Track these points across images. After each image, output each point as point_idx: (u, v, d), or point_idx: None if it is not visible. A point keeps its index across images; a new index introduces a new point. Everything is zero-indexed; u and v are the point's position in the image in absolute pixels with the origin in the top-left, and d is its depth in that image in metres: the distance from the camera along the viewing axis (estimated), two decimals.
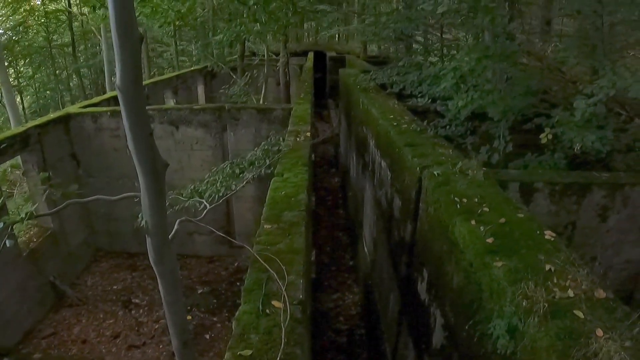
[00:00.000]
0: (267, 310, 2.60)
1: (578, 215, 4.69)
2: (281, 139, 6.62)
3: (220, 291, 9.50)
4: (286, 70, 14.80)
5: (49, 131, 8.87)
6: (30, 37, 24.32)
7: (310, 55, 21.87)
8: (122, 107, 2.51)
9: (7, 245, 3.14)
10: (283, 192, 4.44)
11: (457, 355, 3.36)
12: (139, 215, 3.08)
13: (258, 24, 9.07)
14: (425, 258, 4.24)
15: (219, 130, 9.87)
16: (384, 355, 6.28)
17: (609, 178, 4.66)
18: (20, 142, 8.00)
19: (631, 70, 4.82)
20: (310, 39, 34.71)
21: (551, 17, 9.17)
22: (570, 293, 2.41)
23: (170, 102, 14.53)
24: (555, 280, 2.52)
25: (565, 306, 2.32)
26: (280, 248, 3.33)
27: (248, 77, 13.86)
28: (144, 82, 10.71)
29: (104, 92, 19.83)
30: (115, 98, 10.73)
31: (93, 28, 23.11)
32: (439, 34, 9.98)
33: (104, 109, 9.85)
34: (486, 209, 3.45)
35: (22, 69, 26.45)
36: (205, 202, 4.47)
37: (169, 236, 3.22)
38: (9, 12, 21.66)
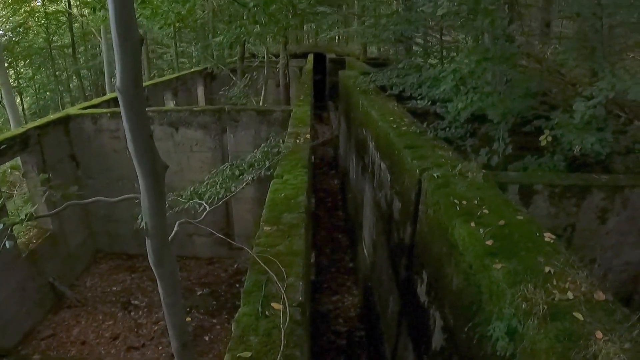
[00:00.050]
0: (267, 312, 2.60)
1: (577, 218, 4.70)
2: (281, 140, 6.62)
3: (220, 293, 9.49)
4: (286, 72, 14.82)
5: (49, 132, 8.87)
6: (30, 38, 24.34)
7: (310, 57, 21.89)
8: (122, 109, 2.51)
9: (7, 246, 3.14)
10: (283, 194, 4.44)
11: (456, 357, 3.36)
12: (139, 217, 3.08)
13: (258, 25, 9.08)
14: (424, 260, 4.24)
15: (219, 132, 9.87)
16: (383, 357, 6.27)
17: (608, 180, 4.67)
18: (20, 143, 8.00)
19: (630, 73, 4.83)
20: (310, 41, 34.77)
21: (550, 19, 9.19)
22: (570, 295, 2.41)
23: (170, 104, 14.54)
24: (554, 283, 2.52)
25: (564, 308, 2.32)
26: (280, 250, 3.33)
27: (248, 78, 13.88)
28: (144, 84, 10.71)
29: (104, 94, 19.85)
30: (115, 99, 10.73)
31: (93, 29, 23.12)
32: (438, 36, 10.00)
33: (104, 110, 9.85)
34: (486, 211, 3.46)
35: (22, 70, 26.47)
36: (204, 204, 4.47)
37: (169, 238, 3.22)
38: (9, 13, 21.68)
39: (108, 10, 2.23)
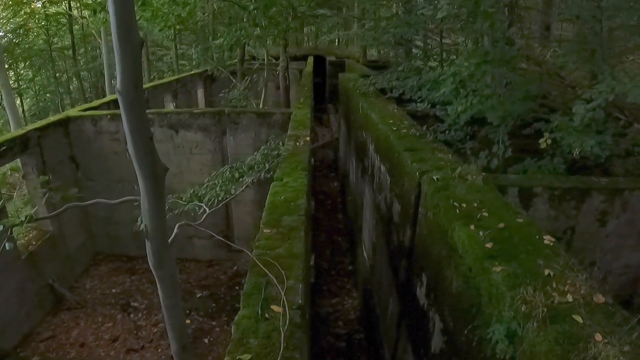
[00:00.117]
0: (267, 315, 2.60)
1: (577, 220, 4.70)
2: (281, 143, 6.62)
3: (220, 295, 9.48)
4: (286, 74, 14.83)
5: (49, 134, 8.88)
6: (30, 39, 24.36)
7: (310, 59, 21.92)
8: (122, 111, 2.51)
9: (7, 248, 3.14)
10: (282, 197, 4.44)
11: None
12: (139, 219, 3.08)
13: (258, 28, 9.11)
14: (424, 263, 4.24)
15: (219, 134, 9.88)
16: (382, 359, 6.26)
17: (608, 183, 4.67)
18: (20, 145, 8.01)
19: (630, 75, 4.84)
20: (310, 44, 34.81)
21: (550, 22, 9.20)
22: (569, 298, 2.41)
23: (170, 106, 14.55)
24: (554, 285, 2.52)
25: (564, 311, 2.32)
26: (280, 252, 3.33)
27: (248, 81, 13.88)
28: (144, 86, 10.73)
29: (104, 96, 19.84)
30: (115, 101, 10.74)
31: (93, 31, 23.14)
32: (438, 39, 10.02)
33: (104, 112, 9.86)
34: (485, 214, 3.46)
35: (22, 71, 26.48)
36: (204, 206, 4.47)
37: (169, 240, 3.22)
38: (9, 15, 21.70)
39: (108, 12, 2.24)
